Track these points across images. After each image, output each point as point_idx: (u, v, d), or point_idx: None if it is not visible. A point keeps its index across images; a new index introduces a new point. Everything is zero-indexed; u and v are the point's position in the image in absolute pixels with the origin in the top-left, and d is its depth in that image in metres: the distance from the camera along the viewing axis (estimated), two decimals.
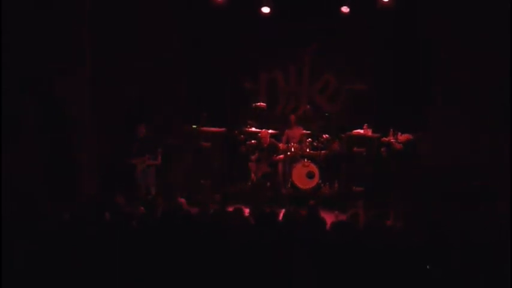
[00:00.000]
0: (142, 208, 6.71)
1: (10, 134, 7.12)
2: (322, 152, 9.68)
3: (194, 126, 9.90)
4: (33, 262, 5.47)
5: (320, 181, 9.49)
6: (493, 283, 5.30)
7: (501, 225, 6.25)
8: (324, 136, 9.82)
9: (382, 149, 9.36)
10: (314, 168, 9.40)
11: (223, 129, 10.01)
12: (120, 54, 9.41)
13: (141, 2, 9.76)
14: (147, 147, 8.74)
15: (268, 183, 9.44)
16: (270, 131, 9.83)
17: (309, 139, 9.82)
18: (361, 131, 9.79)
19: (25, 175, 7.39)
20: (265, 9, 10.30)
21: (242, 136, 9.90)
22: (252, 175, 9.52)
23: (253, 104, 10.32)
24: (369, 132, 9.74)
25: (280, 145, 9.69)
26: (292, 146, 9.58)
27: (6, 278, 5.27)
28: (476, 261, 5.45)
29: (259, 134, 9.67)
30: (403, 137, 9.36)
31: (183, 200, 6.98)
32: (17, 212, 6.40)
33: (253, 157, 9.53)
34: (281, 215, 6.84)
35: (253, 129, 10.01)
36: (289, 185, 9.53)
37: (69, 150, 8.40)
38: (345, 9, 10.15)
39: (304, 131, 9.87)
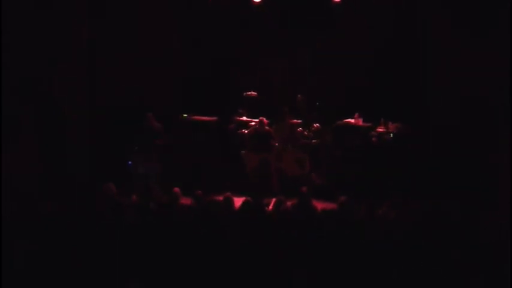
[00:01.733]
0: (134, 197, 6.73)
1: (10, 134, 7.11)
2: (313, 141, 9.67)
3: (185, 115, 9.87)
4: (33, 262, 5.47)
5: (310, 170, 9.45)
6: (493, 283, 5.30)
7: (501, 225, 6.26)
8: (315, 125, 9.81)
9: (373, 139, 9.38)
10: (304, 157, 9.38)
11: (214, 118, 9.97)
12: (120, 54, 9.42)
13: (141, 2, 9.77)
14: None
15: (263, 172, 9.37)
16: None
17: (300, 128, 9.81)
18: (352, 121, 9.80)
19: (25, 175, 7.38)
20: (262, 3, 10.40)
21: (232, 125, 9.86)
22: (247, 164, 9.44)
23: (245, 93, 10.30)
24: (360, 122, 9.76)
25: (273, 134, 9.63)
26: (284, 135, 9.55)
27: (6, 278, 5.27)
28: (476, 261, 5.46)
29: (254, 123, 9.64)
30: (393, 126, 9.42)
31: (177, 190, 6.98)
32: (17, 212, 6.40)
33: (248, 146, 9.45)
34: (271, 204, 6.89)
35: (245, 118, 9.99)
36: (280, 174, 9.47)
37: (68, 149, 8.40)
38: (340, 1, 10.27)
39: (296, 121, 9.86)
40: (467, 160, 8.40)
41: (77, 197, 7.14)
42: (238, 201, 6.77)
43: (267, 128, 9.43)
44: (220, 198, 6.80)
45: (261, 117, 9.45)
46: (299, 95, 10.27)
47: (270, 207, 6.87)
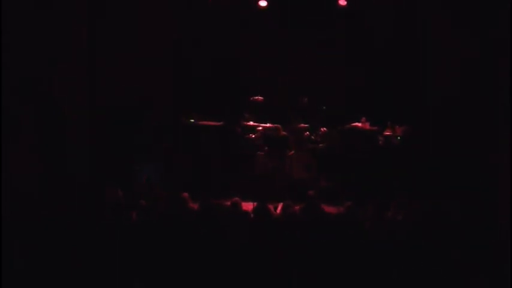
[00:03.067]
0: (143, 202, 6.73)
1: (10, 134, 7.11)
2: (320, 145, 9.67)
3: (192, 120, 9.87)
4: (33, 262, 5.47)
5: (317, 174, 9.44)
6: (493, 283, 5.30)
7: (501, 225, 6.26)
8: (321, 129, 9.82)
9: (380, 142, 9.40)
10: (311, 160, 9.38)
11: (220, 123, 9.95)
12: (120, 54, 9.42)
13: (141, 2, 9.77)
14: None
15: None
16: (269, 124, 9.79)
17: (307, 132, 9.80)
18: (359, 124, 9.81)
19: (25, 175, 7.38)
20: (262, 3, 10.48)
21: (239, 130, 9.84)
22: (257, 169, 9.42)
23: (251, 98, 10.30)
24: (367, 126, 9.77)
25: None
26: (291, 139, 9.54)
27: (6, 278, 5.27)
28: (476, 261, 5.46)
29: (261, 127, 9.62)
30: (400, 129, 9.44)
31: (186, 195, 6.95)
32: (17, 212, 6.40)
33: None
34: (279, 208, 6.87)
35: (251, 122, 9.98)
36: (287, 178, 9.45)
37: (68, 149, 8.40)
38: (342, 1, 10.33)
39: (302, 124, 9.85)
40: (467, 160, 8.40)
41: (77, 197, 7.14)
42: (244, 206, 6.76)
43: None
44: (228, 202, 6.78)
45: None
46: (305, 98, 10.27)
47: (278, 211, 6.86)
